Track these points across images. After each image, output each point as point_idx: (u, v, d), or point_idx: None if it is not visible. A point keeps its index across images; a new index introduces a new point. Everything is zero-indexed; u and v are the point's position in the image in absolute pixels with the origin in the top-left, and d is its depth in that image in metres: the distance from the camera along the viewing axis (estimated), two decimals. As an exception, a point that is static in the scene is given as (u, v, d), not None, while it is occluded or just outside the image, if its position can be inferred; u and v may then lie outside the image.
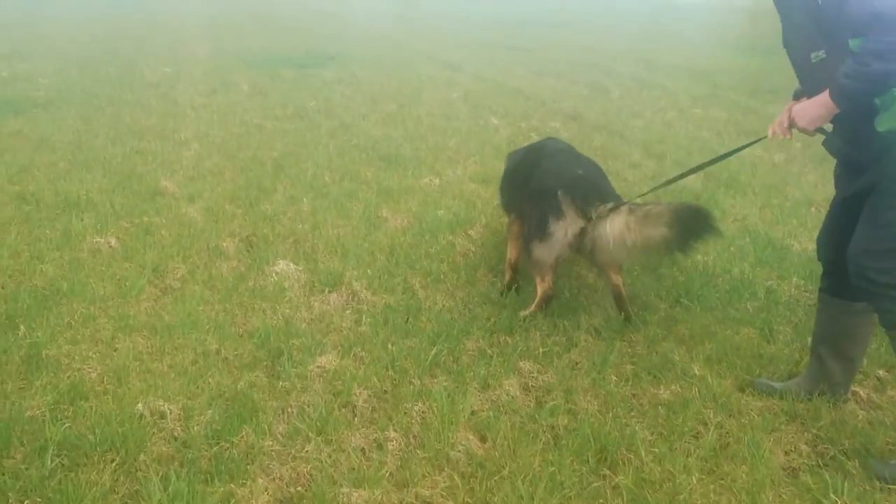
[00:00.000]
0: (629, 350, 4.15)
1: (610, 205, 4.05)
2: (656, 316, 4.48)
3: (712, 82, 14.39)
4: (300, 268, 5.02)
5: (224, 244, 5.40)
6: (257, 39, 18.83)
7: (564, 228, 4.14)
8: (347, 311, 4.51)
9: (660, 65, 16.93)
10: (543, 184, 4.35)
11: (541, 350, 4.11)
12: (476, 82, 13.35)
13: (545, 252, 4.25)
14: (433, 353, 3.94)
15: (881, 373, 3.90)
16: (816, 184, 7.44)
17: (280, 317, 4.38)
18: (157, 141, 8.31)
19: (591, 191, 4.21)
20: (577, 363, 4.01)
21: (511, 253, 4.76)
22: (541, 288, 4.36)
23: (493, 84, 13.22)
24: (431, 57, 16.78)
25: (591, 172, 4.52)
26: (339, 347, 4.07)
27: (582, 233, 4.10)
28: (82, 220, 5.75)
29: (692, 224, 3.78)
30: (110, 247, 5.29)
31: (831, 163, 3.52)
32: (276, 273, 4.90)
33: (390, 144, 8.43)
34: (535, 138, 8.22)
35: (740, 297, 4.78)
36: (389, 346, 4.07)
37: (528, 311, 4.38)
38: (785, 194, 7.10)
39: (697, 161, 8.05)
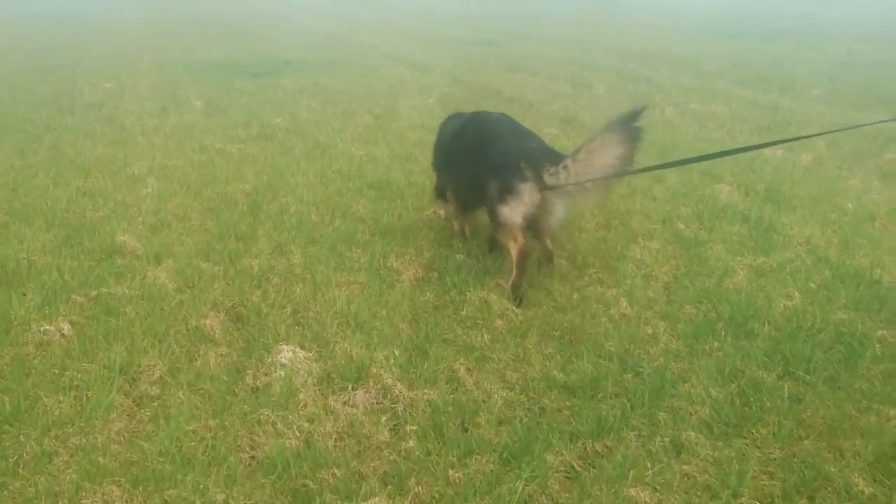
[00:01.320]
0: (760, 452, 3.18)
1: (562, 164, 4.43)
2: (775, 399, 3.51)
3: (697, 70, 13.57)
4: (310, 354, 3.96)
5: (207, 322, 4.31)
6: (204, 47, 17.51)
7: (529, 194, 4.52)
8: (383, 418, 3.46)
9: (634, 54, 16.12)
10: (506, 158, 4.66)
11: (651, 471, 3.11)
12: (451, 84, 12.31)
13: (514, 214, 4.60)
14: (514, 485, 2.92)
15: None
16: (866, 191, 6.60)
17: (297, 433, 3.34)
18: (107, 178, 7.14)
19: (546, 159, 4.55)
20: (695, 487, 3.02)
21: (458, 225, 5.60)
22: (515, 249, 4.63)
23: (470, 86, 12.19)
24: (394, 57, 15.69)
25: (540, 143, 4.87)
26: (387, 481, 3.03)
27: (542, 197, 4.53)
28: (24, 296, 4.56)
29: (631, 130, 4.30)
30: (63, 336, 4.17)
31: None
32: (281, 364, 3.81)
33: (377, 168, 7.38)
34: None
35: (858, 359, 3.82)
36: (450, 471, 3.03)
37: (513, 278, 4.64)
38: (838, 207, 6.26)
39: (726, 169, 7.22)
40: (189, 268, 5.03)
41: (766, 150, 7.84)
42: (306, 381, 3.73)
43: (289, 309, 4.51)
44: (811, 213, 6.07)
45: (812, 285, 4.73)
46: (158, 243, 5.47)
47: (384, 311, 4.45)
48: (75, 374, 3.76)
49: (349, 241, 5.53)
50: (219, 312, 4.45)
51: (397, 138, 8.61)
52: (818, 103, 10.65)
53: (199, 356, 3.98)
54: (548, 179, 4.47)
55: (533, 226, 4.70)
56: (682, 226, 5.78)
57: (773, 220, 5.85)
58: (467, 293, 4.69)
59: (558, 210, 4.66)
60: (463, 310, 4.49)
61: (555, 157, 4.56)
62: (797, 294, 4.59)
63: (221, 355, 4.00)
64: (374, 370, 3.79)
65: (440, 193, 5.80)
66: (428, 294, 4.70)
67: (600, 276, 4.97)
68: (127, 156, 7.90)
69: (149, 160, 7.71)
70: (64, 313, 4.38)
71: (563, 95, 11.40)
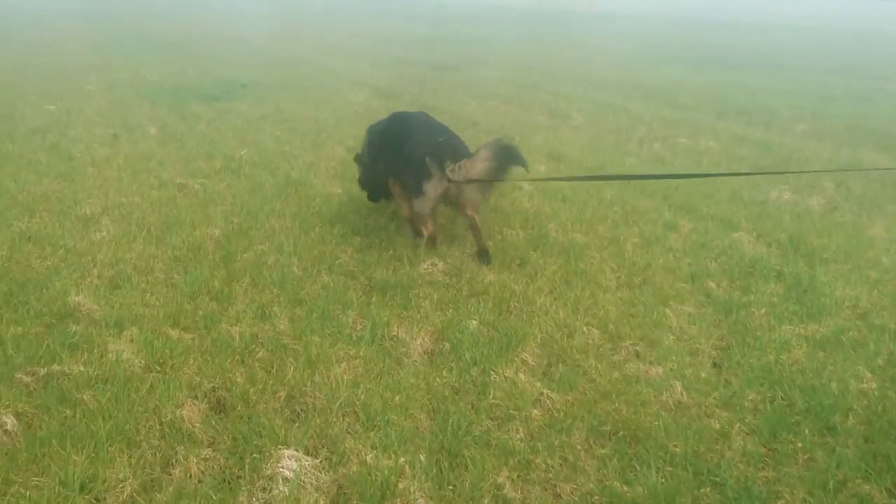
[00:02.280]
0: None
1: (456, 164, 5.29)
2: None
3: (673, 102, 13.14)
4: (317, 461, 3.22)
5: (184, 413, 3.55)
6: (152, 67, 16.55)
7: (434, 186, 5.32)
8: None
9: (604, 82, 15.69)
10: (415, 152, 5.42)
11: None
12: (422, 113, 11.57)
13: (422, 206, 5.51)
14: None
15: None
16: (893, 241, 6.08)
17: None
18: (55, 218, 6.32)
19: (449, 153, 5.35)
20: None
21: (405, 210, 5.99)
22: (426, 232, 5.70)
23: (442, 115, 11.43)
24: (356, 81, 15.01)
25: (448, 137, 5.67)
26: None
27: (446, 188, 5.33)
28: (-43, 376, 3.74)
29: (502, 152, 5.28)
30: (6, 433, 3.37)
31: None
32: (283, 478, 3.06)
33: (359, 210, 6.65)
34: (526, 187, 7.37)
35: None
36: None
37: (421, 247, 5.68)
38: (873, 261, 5.71)
39: (740, 215, 6.68)
40: (157, 338, 4.27)
41: (774, 193, 7.35)
42: (317, 502, 2.98)
43: (282, 394, 3.77)
44: (847, 269, 5.55)
45: (880, 362, 4.16)
46: (119, 304, 4.68)
47: (397, 398, 3.74)
48: (22, 492, 2.96)
49: (342, 302, 4.82)
50: (197, 399, 3.70)
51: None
52: (808, 140, 10.25)
53: (177, 461, 3.23)
54: (449, 174, 5.30)
55: (452, 205, 5.68)
56: (712, 284, 5.20)
57: (811, 278, 5.29)
58: (491, 373, 4.00)
59: (466, 193, 5.48)
60: (489, 395, 3.81)
61: (458, 153, 5.45)
62: (868, 374, 4.00)
63: (205, 459, 3.26)
64: (401, 485, 3.05)
65: (365, 184, 6.61)
66: (444, 373, 4.01)
67: (638, 349, 4.34)
68: (76, 191, 7.06)
69: (101, 197, 6.89)
70: (7, 401, 3.57)
71: (543, 127, 10.82)
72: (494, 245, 5.95)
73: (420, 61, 19.23)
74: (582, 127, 11.17)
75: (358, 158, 6.65)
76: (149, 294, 4.89)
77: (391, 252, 5.74)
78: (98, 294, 4.84)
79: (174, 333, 4.40)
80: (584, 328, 4.61)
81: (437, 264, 5.53)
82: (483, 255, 5.67)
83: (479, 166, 5.29)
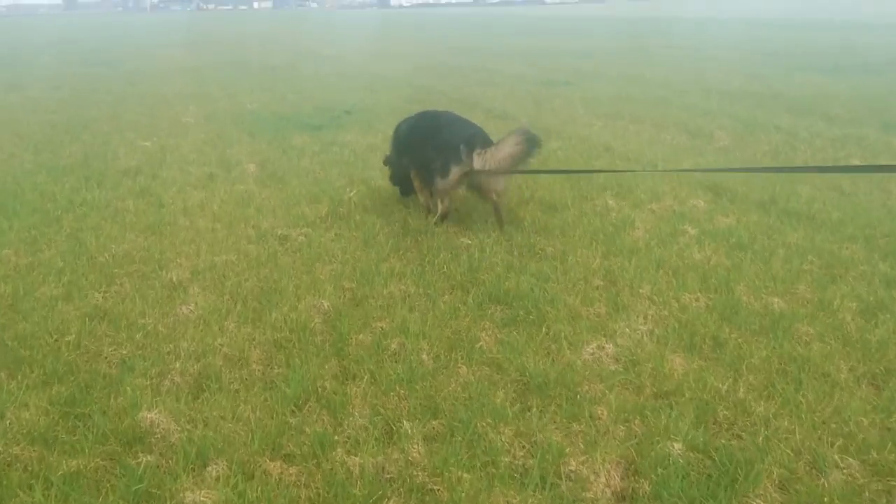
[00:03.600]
0: None
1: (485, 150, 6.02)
2: None
3: (825, 115, 11.56)
4: None
5: None
6: (253, 94, 15.80)
7: (460, 169, 6.10)
8: None
9: (735, 93, 14.03)
10: (450, 141, 6.17)
11: None
12: (553, 140, 10.30)
13: (444, 185, 6.30)
14: None
15: None
16: None
17: None
18: (136, 285, 5.36)
19: (480, 143, 6.09)
20: None
21: (423, 198, 6.79)
22: (441, 206, 6.49)
23: (574, 141, 10.23)
24: (469, 103, 13.77)
25: (478, 131, 6.32)
26: None
27: (467, 172, 6.08)
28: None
29: (528, 141, 5.95)
30: None
31: None
32: None
33: (494, 269, 5.38)
34: (690, 230, 6.19)
35: None
36: None
37: (434, 220, 6.50)
38: None
39: None
40: (251, 477, 3.07)
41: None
42: None
43: None
44: None
45: None
46: (203, 420, 3.56)
47: None
48: None
49: (491, 412, 3.55)
50: None
51: (513, 224, 6.61)
52: None
53: None
54: (476, 161, 5.96)
55: (477, 190, 6.40)
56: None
57: None
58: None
59: (490, 180, 6.14)
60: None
61: (485, 142, 6.09)
62: None
63: None
64: None
65: (395, 181, 7.25)
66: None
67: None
68: (164, 249, 6.06)
69: (192, 256, 5.88)
70: None
71: (685, 150, 9.42)
72: (671, 315, 4.61)
73: (528, 77, 17.99)
74: (730, 149, 9.67)
75: (386, 160, 7.27)
76: (242, 403, 3.72)
77: (544, 330, 4.45)
78: (178, 404, 3.73)
79: (273, 467, 3.24)
80: (836, 457, 3.21)
81: (604, 347, 4.26)
82: (501, 223, 6.37)
83: (505, 150, 5.95)
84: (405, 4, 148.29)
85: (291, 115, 12.73)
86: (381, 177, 8.15)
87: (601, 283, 5.19)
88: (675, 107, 12.83)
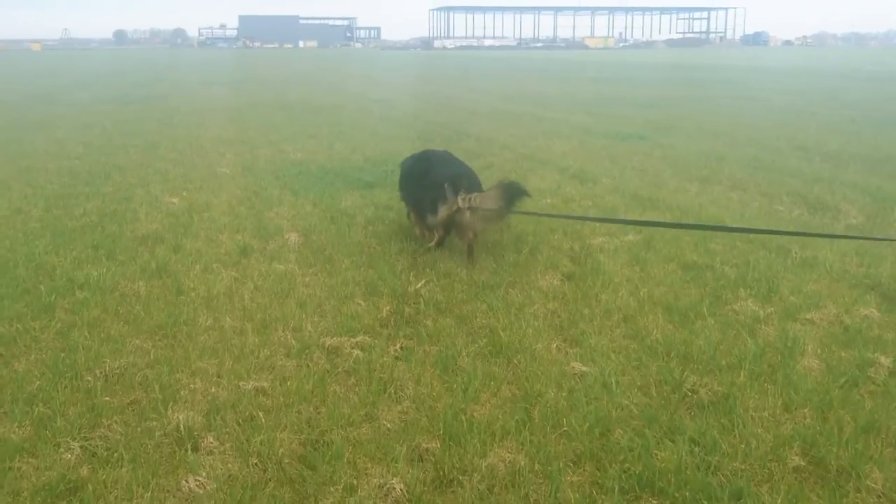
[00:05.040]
0: None
1: (471, 194, 6.21)
2: None
3: None
4: None
5: None
6: (297, 141, 14.42)
7: (448, 207, 6.29)
8: None
9: (841, 156, 12.25)
10: (436, 179, 6.43)
11: None
12: (637, 207, 8.66)
13: (434, 222, 6.62)
14: None
15: None
16: None
17: None
18: (129, 434, 3.84)
19: (465, 182, 6.32)
20: None
21: (419, 231, 7.17)
22: (438, 235, 6.80)
23: (662, 210, 8.58)
24: (538, 159, 12.13)
25: (465, 170, 6.75)
26: None
27: (457, 210, 6.25)
28: None
29: (511, 192, 6.11)
30: None
31: None
32: None
33: (697, 461, 3.69)
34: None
35: None
36: None
37: (432, 245, 6.85)
38: None
39: None
40: None
41: None
42: None
43: None
44: None
45: None
46: None
47: None
48: None
49: None
50: None
51: (635, 339, 4.94)
52: None
53: None
54: (460, 201, 6.22)
55: (457, 228, 6.60)
56: None
57: None
58: None
59: (470, 220, 6.33)
60: None
61: (472, 184, 6.42)
62: None
63: None
64: None
65: (407, 215, 7.58)
66: None
67: None
68: (175, 365, 4.50)
69: (210, 379, 4.35)
70: None
71: (812, 229, 7.66)
72: None
73: (595, 129, 16.46)
74: (865, 227, 7.92)
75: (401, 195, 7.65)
76: None
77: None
78: None
79: None
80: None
81: None
82: (471, 257, 6.59)
83: (489, 203, 6.14)
84: (449, 46, 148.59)
85: (339, 169, 11.22)
86: (454, 261, 6.54)
87: (800, 460, 3.47)
88: (776, 171, 11.13)
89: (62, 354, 4.70)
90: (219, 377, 4.43)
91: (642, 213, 8.40)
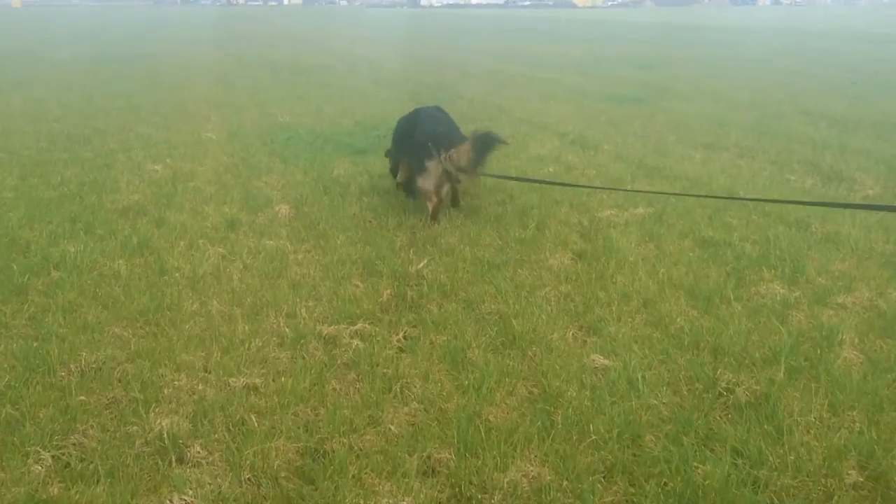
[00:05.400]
0: None
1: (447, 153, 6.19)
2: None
3: None
4: None
5: None
6: (285, 104, 13.93)
7: (436, 167, 6.23)
8: None
9: (850, 122, 11.78)
10: (420, 139, 6.35)
11: None
12: (643, 177, 8.25)
13: (427, 184, 6.41)
14: None
15: None
16: None
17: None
18: (104, 438, 3.61)
19: (447, 141, 6.26)
20: None
21: (401, 177, 7.26)
22: (430, 205, 6.48)
23: (669, 180, 8.17)
24: (535, 123, 11.69)
25: (450, 129, 6.58)
26: None
27: (445, 170, 6.22)
28: None
29: (484, 142, 6.12)
30: None
31: None
32: None
33: (740, 474, 3.34)
34: None
35: None
36: None
37: (428, 221, 6.46)
38: None
39: None
40: None
41: None
42: None
43: None
44: None
45: None
46: None
47: None
48: None
49: None
50: None
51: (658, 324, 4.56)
52: None
53: None
54: (443, 161, 6.20)
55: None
56: None
57: None
58: None
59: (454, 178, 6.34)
60: None
61: (454, 142, 6.28)
62: None
63: None
64: None
65: (392, 170, 7.61)
66: None
67: None
68: (158, 358, 4.11)
69: (197, 374, 3.96)
70: None
71: (824, 198, 7.28)
72: None
73: (591, 91, 15.96)
74: (885, 198, 7.53)
75: (387, 153, 7.65)
76: None
77: None
78: None
79: None
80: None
81: None
82: (456, 202, 6.93)
83: (463, 159, 6.17)
84: (435, 4, 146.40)
85: (330, 134, 10.72)
86: (456, 234, 6.13)
87: (858, 475, 3.10)
88: (783, 137, 10.71)
89: (34, 344, 4.25)
90: (206, 372, 4.02)
91: (650, 183, 7.98)
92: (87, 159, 9.11)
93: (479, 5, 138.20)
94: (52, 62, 22.57)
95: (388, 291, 5.07)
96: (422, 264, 5.51)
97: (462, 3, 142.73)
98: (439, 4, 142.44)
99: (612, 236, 6.20)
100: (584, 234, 6.32)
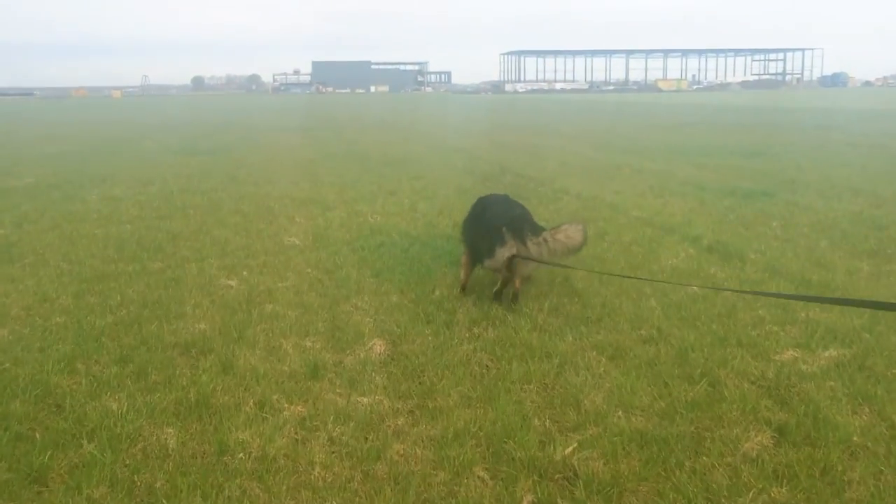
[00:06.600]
0: None
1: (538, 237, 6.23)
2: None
3: None
4: None
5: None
6: (376, 201, 12.69)
7: (506, 250, 6.20)
8: None
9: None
10: (493, 222, 6.40)
11: None
12: (773, 279, 6.62)
13: (493, 265, 6.40)
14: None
15: None
16: None
17: None
18: None
19: (525, 225, 6.34)
20: None
21: (463, 274, 7.00)
22: (502, 279, 6.49)
23: (810, 287, 6.49)
24: (657, 225, 10.17)
25: (524, 213, 6.67)
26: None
27: (513, 255, 6.19)
28: None
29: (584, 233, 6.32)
30: None
31: None
32: None
33: None
34: None
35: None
36: None
37: (496, 289, 6.57)
38: None
39: None
40: None
41: None
42: None
43: None
44: None
45: None
46: None
47: None
48: None
49: None
50: None
51: None
52: None
53: None
54: (530, 246, 6.18)
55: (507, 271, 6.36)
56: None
57: None
58: None
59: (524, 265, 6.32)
60: None
61: (535, 228, 6.39)
62: None
63: None
64: None
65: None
66: None
67: None
68: None
69: None
70: None
71: None
72: None
73: (710, 185, 14.42)
74: None
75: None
76: None
77: None
78: None
79: None
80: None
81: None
82: (515, 299, 6.50)
83: (561, 238, 6.26)
84: (520, 90, 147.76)
85: (426, 238, 9.44)
86: (604, 397, 4.62)
87: None
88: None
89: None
90: None
91: (824, 307, 6.36)
92: (154, 271, 7.98)
93: (563, 90, 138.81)
94: (136, 154, 22.22)
95: (530, 498, 3.56)
96: (569, 450, 4.00)
97: (546, 87, 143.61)
98: (524, 90, 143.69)
99: (814, 397, 4.59)
100: (774, 394, 4.74)
